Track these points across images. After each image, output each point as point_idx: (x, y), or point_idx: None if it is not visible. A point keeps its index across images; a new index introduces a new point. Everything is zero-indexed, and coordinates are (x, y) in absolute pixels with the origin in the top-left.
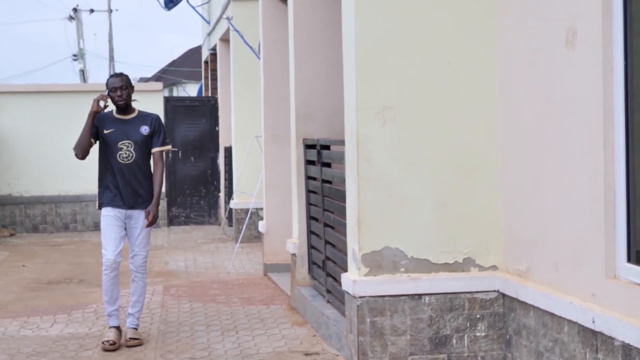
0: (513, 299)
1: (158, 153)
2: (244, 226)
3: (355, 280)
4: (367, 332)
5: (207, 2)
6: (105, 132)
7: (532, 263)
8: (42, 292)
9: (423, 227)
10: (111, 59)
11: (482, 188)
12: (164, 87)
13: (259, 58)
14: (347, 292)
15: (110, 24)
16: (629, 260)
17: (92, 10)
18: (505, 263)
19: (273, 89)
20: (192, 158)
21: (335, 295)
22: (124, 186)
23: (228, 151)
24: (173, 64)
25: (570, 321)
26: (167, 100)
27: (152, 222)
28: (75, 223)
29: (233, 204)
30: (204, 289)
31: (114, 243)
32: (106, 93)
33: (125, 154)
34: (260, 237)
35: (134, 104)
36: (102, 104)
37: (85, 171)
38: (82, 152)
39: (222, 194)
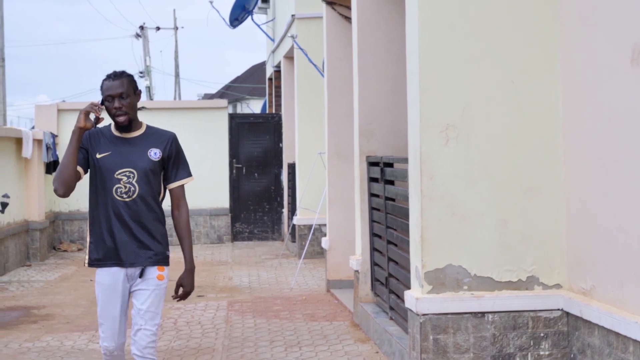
0: (577, 318)
1: (179, 189)
2: (307, 242)
3: (418, 297)
4: (430, 350)
5: (272, 20)
6: (98, 156)
7: (596, 281)
8: None
9: (486, 245)
10: (177, 75)
11: (545, 206)
12: (228, 103)
13: (322, 76)
14: (410, 310)
15: (176, 41)
16: None
17: (158, 28)
18: (569, 281)
19: (337, 106)
20: (255, 174)
21: (398, 313)
22: (122, 235)
23: (291, 167)
24: (237, 80)
25: (635, 341)
26: (232, 117)
27: (184, 297)
28: None
29: (296, 220)
30: (268, 304)
31: (112, 325)
32: (99, 101)
33: (125, 187)
34: (322, 253)
35: (140, 115)
36: (91, 117)
37: None
38: (63, 187)
39: (285, 210)
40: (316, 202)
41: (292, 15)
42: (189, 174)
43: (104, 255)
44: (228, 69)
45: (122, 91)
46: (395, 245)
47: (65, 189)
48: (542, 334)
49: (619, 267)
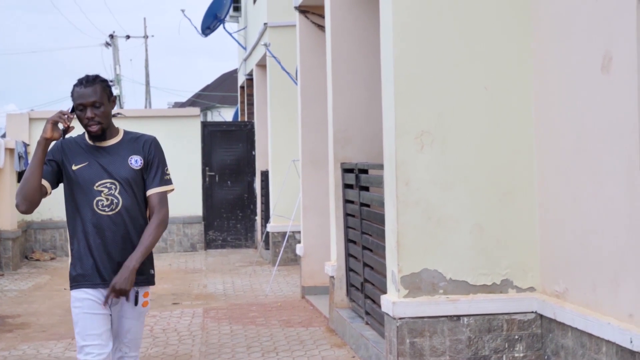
0: (551, 320)
1: (157, 196)
2: (282, 249)
3: (394, 301)
4: (407, 353)
5: (244, 29)
6: (74, 168)
7: (569, 284)
8: None
9: (461, 249)
10: (147, 84)
11: (519, 210)
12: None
13: (296, 84)
14: (387, 314)
15: (147, 50)
16: None
17: (128, 37)
18: (543, 284)
19: (310, 113)
20: (228, 182)
21: (374, 317)
22: (104, 252)
23: (264, 175)
24: (207, 88)
25: (608, 341)
26: (205, 125)
27: (118, 295)
28: None
29: (270, 227)
30: (243, 311)
31: (98, 341)
32: (70, 109)
33: (107, 200)
34: (297, 260)
35: (115, 121)
36: (60, 127)
37: None
38: (25, 203)
39: (258, 218)
40: (290, 209)
41: (265, 24)
42: (169, 182)
43: (86, 273)
44: (198, 77)
45: (95, 99)
46: (371, 250)
47: (27, 205)
48: (516, 336)
49: (592, 270)
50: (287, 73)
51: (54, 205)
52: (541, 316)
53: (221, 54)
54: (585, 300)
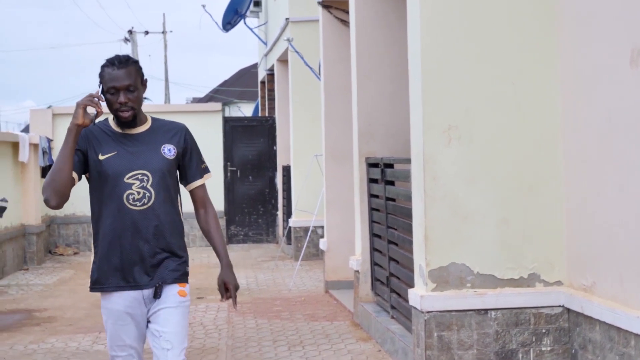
0: (578, 314)
1: (202, 188)
2: (305, 244)
3: (422, 295)
4: (435, 347)
5: (265, 24)
6: (102, 157)
7: (597, 278)
8: None
9: (488, 243)
10: (166, 79)
11: (545, 204)
12: None
13: (319, 79)
14: (415, 307)
15: (166, 45)
16: None
17: (147, 32)
18: (570, 278)
19: (333, 108)
20: (250, 177)
21: (400, 311)
22: (135, 251)
23: (286, 170)
24: (225, 83)
25: (637, 335)
26: (226, 121)
27: (233, 295)
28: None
29: (292, 222)
30: (268, 305)
31: (126, 351)
32: (98, 91)
33: (138, 193)
34: (318, 254)
35: (144, 107)
36: (91, 111)
37: None
38: (57, 197)
39: (280, 213)
40: (312, 204)
41: (287, 19)
42: (207, 169)
43: (113, 276)
44: (216, 72)
45: (129, 83)
46: (396, 244)
47: (58, 199)
48: (543, 330)
49: (619, 263)
50: (310, 68)
51: (76, 200)
52: (568, 310)
53: (238, 50)
54: (613, 293)
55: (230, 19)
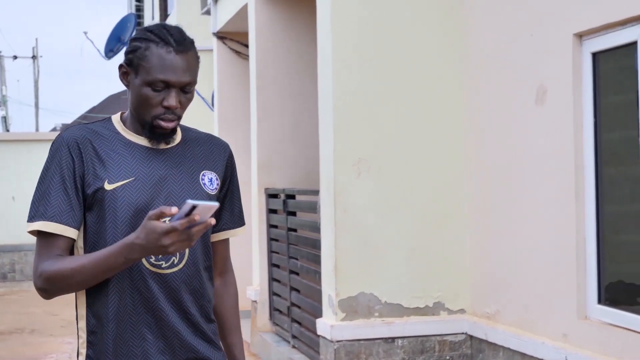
0: (482, 341)
1: (226, 244)
2: None
3: (332, 325)
4: None
5: None
6: (109, 187)
7: (500, 306)
8: None
9: (396, 273)
10: (36, 105)
11: (450, 236)
12: None
13: (212, 109)
14: (323, 337)
15: (37, 70)
16: (599, 302)
17: (15, 57)
18: (474, 307)
19: (228, 139)
20: None
21: (302, 341)
22: (158, 336)
23: None
24: (93, 110)
25: None
26: None
27: None
28: (14, 273)
29: None
30: None
31: None
32: (124, 62)
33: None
34: None
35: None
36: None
37: (22, 219)
38: (57, 295)
39: None
40: None
41: None
42: (244, 220)
43: None
44: (85, 98)
45: (190, 80)
46: (298, 274)
47: (55, 296)
48: (447, 357)
49: (524, 291)
50: (203, 98)
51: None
52: (471, 337)
53: (111, 75)
54: (517, 321)
55: (113, 46)
